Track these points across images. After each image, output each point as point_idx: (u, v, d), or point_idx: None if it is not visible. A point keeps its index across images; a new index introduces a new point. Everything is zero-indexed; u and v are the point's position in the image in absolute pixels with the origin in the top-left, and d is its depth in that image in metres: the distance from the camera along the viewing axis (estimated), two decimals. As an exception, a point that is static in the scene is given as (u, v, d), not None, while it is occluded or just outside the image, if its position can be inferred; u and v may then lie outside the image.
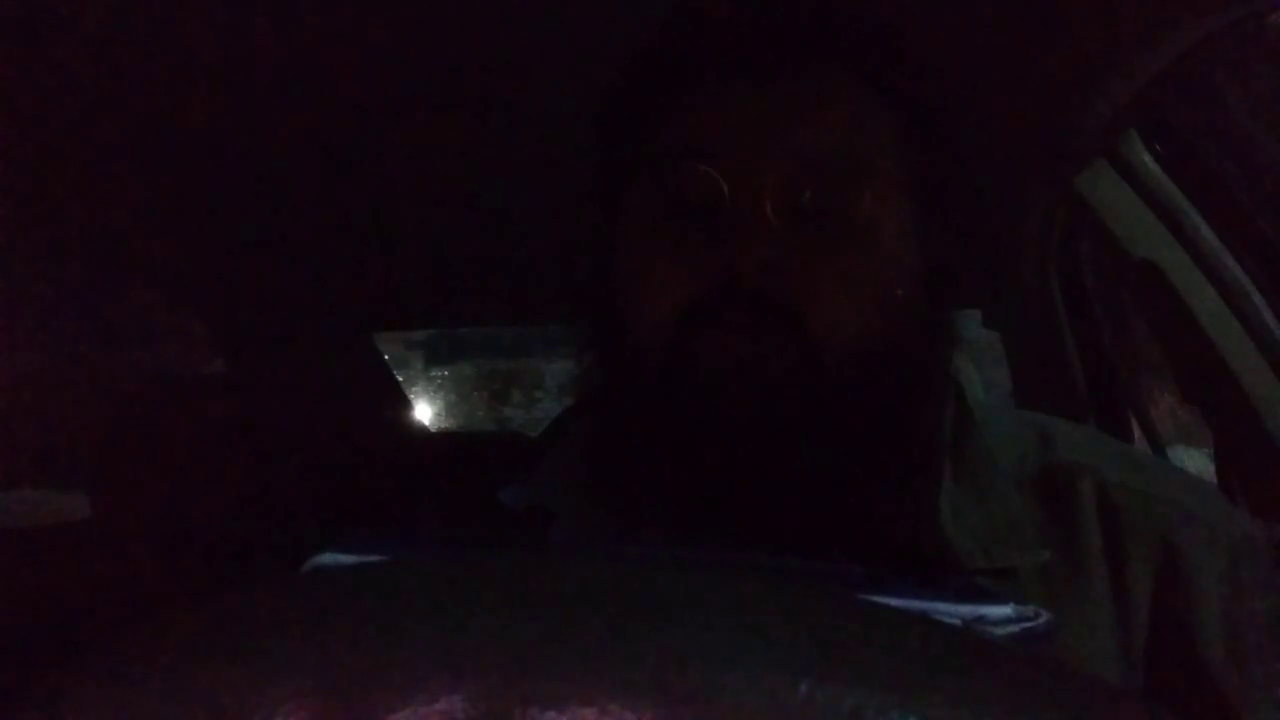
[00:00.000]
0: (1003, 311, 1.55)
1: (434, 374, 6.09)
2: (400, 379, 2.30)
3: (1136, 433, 1.40)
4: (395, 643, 0.30)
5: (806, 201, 0.57)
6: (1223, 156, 1.07)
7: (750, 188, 0.56)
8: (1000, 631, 0.42)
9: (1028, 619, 0.43)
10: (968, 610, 0.42)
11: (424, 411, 5.54)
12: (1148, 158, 1.08)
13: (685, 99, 0.60)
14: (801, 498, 0.55)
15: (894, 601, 0.41)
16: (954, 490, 0.59)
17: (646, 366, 0.57)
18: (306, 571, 0.45)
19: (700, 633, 0.30)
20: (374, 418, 1.95)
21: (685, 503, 0.56)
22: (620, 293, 0.60)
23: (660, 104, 0.60)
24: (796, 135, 0.58)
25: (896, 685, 0.29)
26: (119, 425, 1.47)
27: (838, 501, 0.56)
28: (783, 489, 0.55)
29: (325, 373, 1.78)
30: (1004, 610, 0.43)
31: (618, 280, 0.61)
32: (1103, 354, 1.42)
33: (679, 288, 0.57)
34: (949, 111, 0.62)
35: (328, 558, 0.46)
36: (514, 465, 0.66)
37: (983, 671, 0.31)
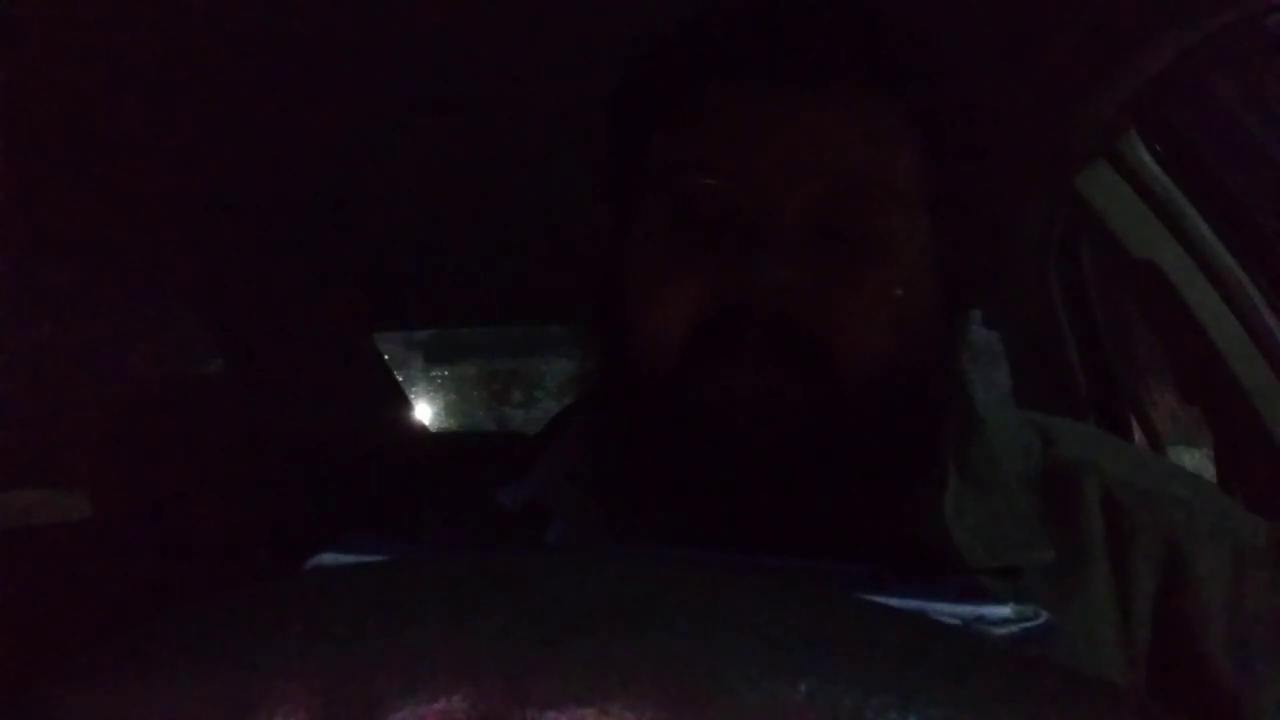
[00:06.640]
0: (1003, 311, 1.56)
1: (434, 374, 6.09)
2: (400, 379, 2.30)
3: (1136, 433, 1.40)
4: (395, 643, 0.30)
5: (829, 221, 0.55)
6: (1223, 156, 1.07)
7: (771, 205, 0.55)
8: (1000, 631, 0.42)
9: (1027, 619, 0.43)
10: (967, 610, 0.42)
11: (424, 411, 5.54)
12: (1148, 158, 1.08)
13: (701, 108, 0.58)
14: (805, 500, 0.55)
15: (894, 601, 0.41)
16: (958, 490, 0.59)
17: (654, 381, 0.56)
18: (306, 571, 0.45)
19: (700, 633, 0.30)
20: (374, 418, 1.95)
21: (686, 504, 0.56)
22: (630, 302, 0.59)
23: (674, 112, 0.59)
24: (820, 151, 0.56)
25: (896, 685, 0.29)
26: (119, 425, 1.47)
27: (841, 503, 0.55)
28: (786, 492, 0.54)
29: (325, 373, 1.78)
30: (1003, 610, 0.43)
31: (627, 289, 0.60)
32: (1103, 354, 1.42)
33: (693, 304, 0.55)
34: (967, 123, 0.61)
35: (328, 558, 0.46)
36: (513, 465, 0.66)
37: (982, 671, 0.31)
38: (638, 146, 0.61)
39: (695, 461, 0.55)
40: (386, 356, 2.16)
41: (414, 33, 0.92)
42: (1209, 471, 1.12)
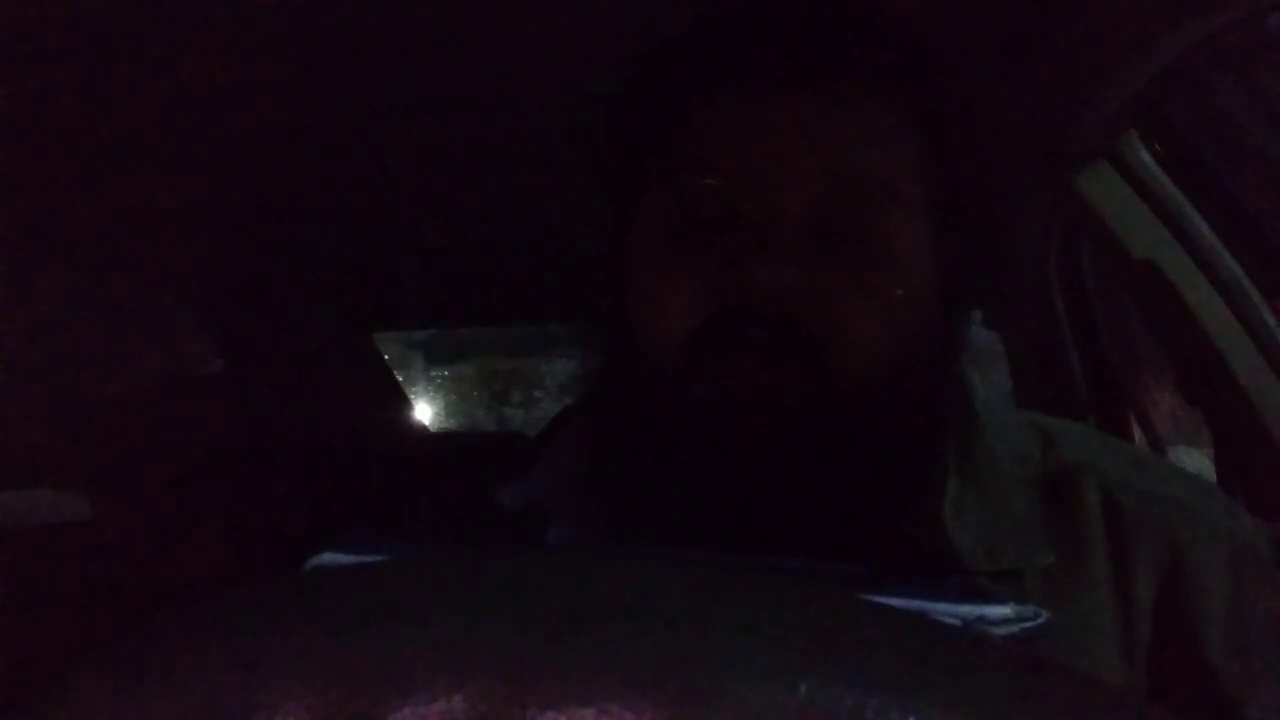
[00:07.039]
0: (1003, 311, 1.55)
1: (434, 374, 6.09)
2: (400, 379, 2.30)
3: (1136, 433, 1.40)
4: (395, 643, 0.30)
5: (830, 222, 0.55)
6: (1223, 156, 1.07)
7: (772, 205, 0.55)
8: (1000, 631, 0.42)
9: (1027, 619, 0.43)
10: (968, 610, 0.42)
11: (424, 411, 5.54)
12: (1148, 158, 1.08)
13: (702, 108, 0.58)
14: (805, 501, 0.55)
15: (894, 601, 0.41)
16: (958, 491, 0.59)
17: (656, 381, 0.56)
18: (306, 571, 0.45)
19: (700, 633, 0.30)
20: (374, 418, 1.95)
21: (686, 504, 0.56)
22: (630, 302, 0.59)
23: (675, 112, 0.59)
24: (821, 152, 0.56)
25: (896, 685, 0.29)
26: (119, 425, 1.47)
27: (841, 505, 0.55)
28: (786, 493, 0.54)
29: (325, 373, 1.78)
30: (1004, 610, 0.43)
31: (628, 289, 0.60)
32: (1103, 354, 1.42)
33: (693, 304, 0.55)
34: (967, 123, 0.61)
35: (328, 558, 0.46)
36: (513, 465, 0.66)
37: (983, 671, 0.31)
38: (638, 146, 0.62)
39: (696, 461, 0.55)
40: (386, 356, 2.16)
41: (414, 32, 0.92)
42: (1209, 471, 1.12)
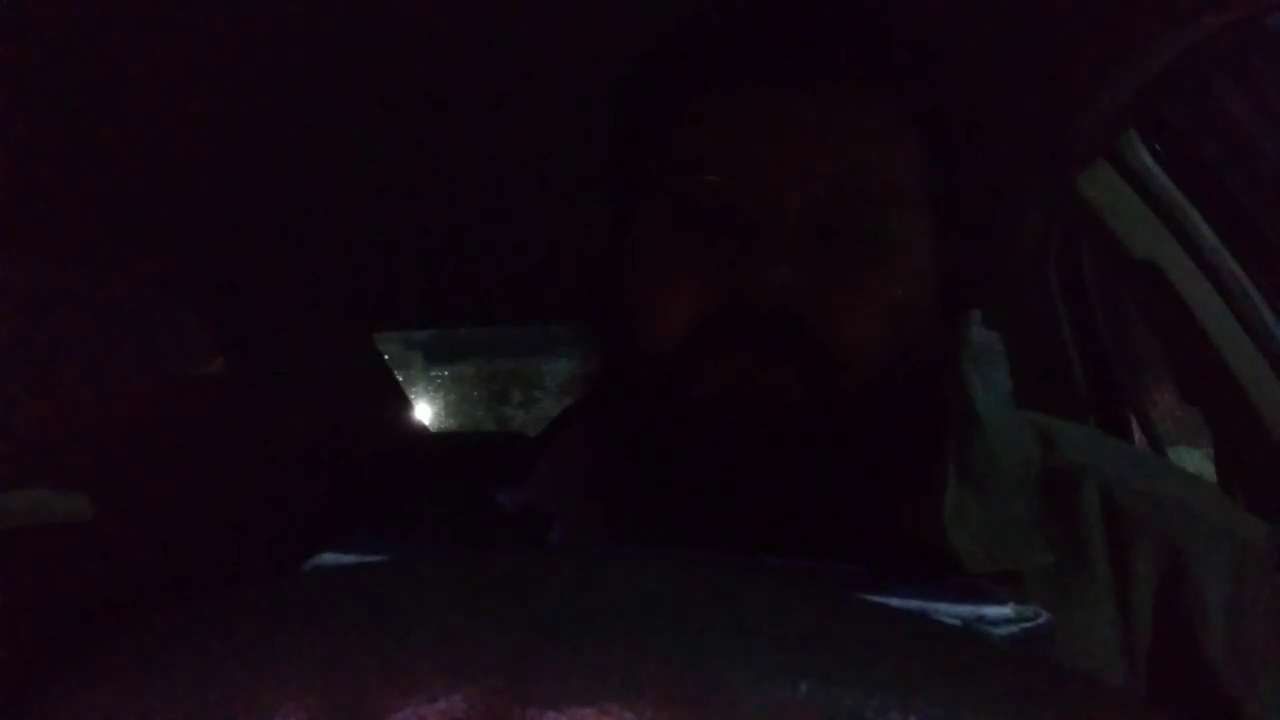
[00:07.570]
0: (1003, 311, 1.55)
1: (434, 374, 6.09)
2: (400, 379, 2.30)
3: (1136, 433, 1.40)
4: (395, 643, 0.30)
5: (830, 221, 0.55)
6: (1223, 156, 1.07)
7: (772, 205, 0.55)
8: (1000, 632, 0.42)
9: (1027, 619, 0.43)
10: (968, 610, 0.42)
11: (424, 411, 5.54)
12: (1148, 158, 1.08)
13: (702, 107, 0.58)
14: (805, 501, 0.55)
15: (894, 601, 0.41)
16: (957, 492, 0.59)
17: (655, 380, 0.56)
18: (306, 571, 0.45)
19: (700, 633, 0.30)
20: (374, 418, 1.95)
21: (686, 503, 0.56)
22: (631, 300, 0.59)
23: (675, 111, 0.59)
24: (822, 150, 0.56)
25: (896, 685, 0.29)
26: (119, 425, 1.47)
27: (841, 505, 0.55)
28: (786, 493, 0.54)
29: (325, 373, 1.78)
30: (1004, 610, 0.43)
31: (628, 287, 0.60)
32: (1103, 354, 1.42)
33: (693, 301, 0.55)
34: (967, 122, 0.61)
35: (328, 558, 0.46)
36: (513, 466, 0.66)
37: (983, 672, 0.31)
38: (639, 146, 0.62)
39: (695, 460, 0.55)
40: (386, 356, 2.16)
41: (414, 32, 0.92)
42: (1209, 471, 1.12)
